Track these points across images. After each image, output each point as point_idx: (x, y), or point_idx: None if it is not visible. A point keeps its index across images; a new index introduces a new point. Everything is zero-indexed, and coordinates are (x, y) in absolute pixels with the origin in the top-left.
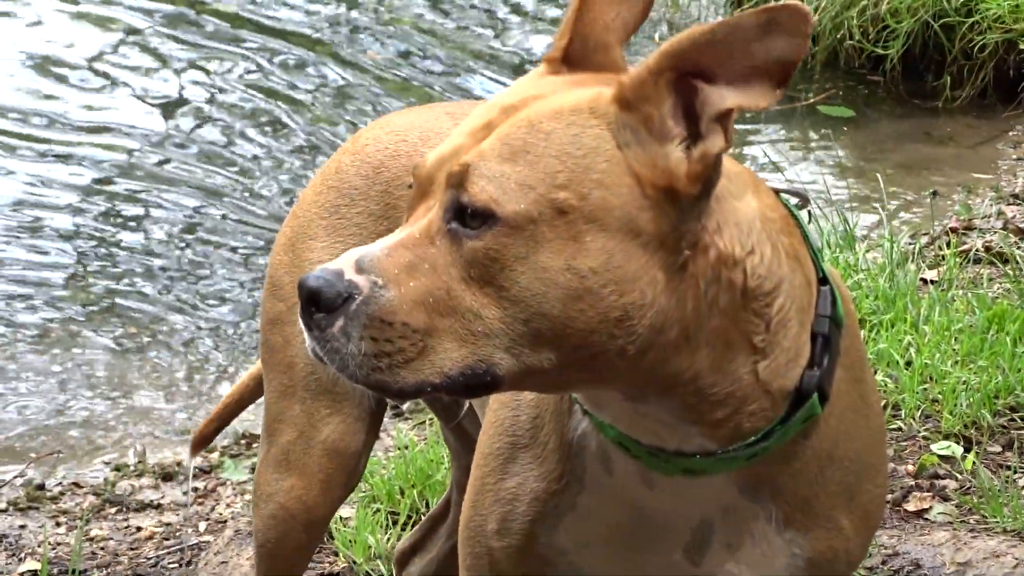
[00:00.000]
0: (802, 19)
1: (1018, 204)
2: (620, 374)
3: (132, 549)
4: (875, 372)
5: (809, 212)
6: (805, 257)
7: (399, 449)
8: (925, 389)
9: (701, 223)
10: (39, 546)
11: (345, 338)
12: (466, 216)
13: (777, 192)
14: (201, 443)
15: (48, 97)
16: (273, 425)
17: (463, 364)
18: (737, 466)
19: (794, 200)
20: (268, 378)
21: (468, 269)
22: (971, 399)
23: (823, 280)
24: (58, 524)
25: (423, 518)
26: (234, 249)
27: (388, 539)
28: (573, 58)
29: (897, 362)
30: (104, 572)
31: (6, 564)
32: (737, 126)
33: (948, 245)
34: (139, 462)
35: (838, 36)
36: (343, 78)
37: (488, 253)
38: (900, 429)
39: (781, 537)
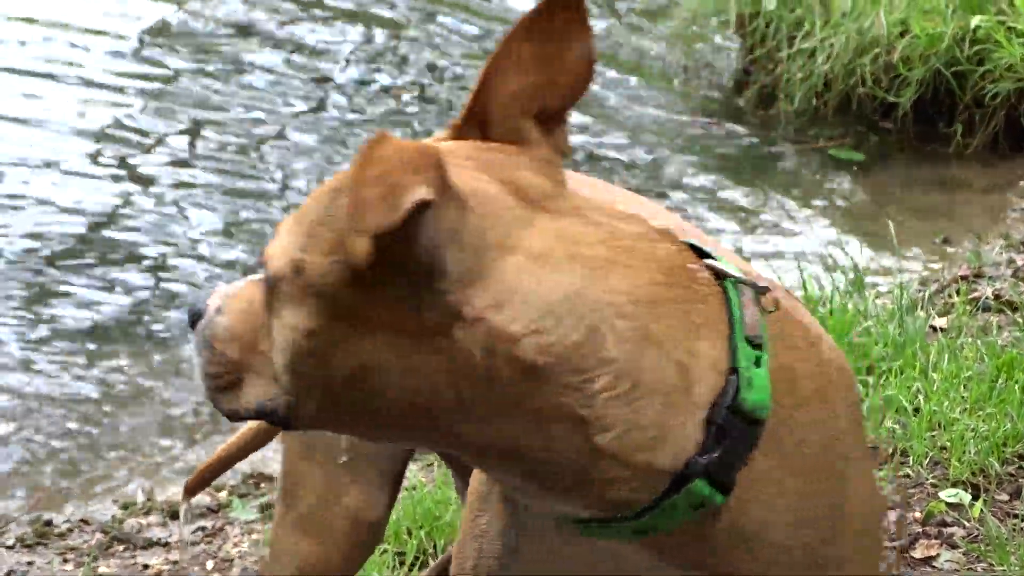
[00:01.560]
0: None
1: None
2: (410, 436)
3: None
4: (883, 419)
5: (777, 301)
6: (676, 341)
7: (407, 490)
8: (933, 436)
9: (449, 300)
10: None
11: (196, 353)
12: None
13: (724, 277)
14: (195, 489)
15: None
16: (292, 488)
17: (259, 401)
18: (627, 536)
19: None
20: (286, 439)
21: (263, 316)
22: (979, 446)
23: (733, 370)
24: (66, 560)
25: (431, 560)
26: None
27: None
28: (482, 125)
29: (906, 409)
30: None
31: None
32: (740, 172)
33: (958, 292)
34: (147, 500)
35: (850, 83)
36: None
37: (264, 303)
38: (908, 476)
39: None
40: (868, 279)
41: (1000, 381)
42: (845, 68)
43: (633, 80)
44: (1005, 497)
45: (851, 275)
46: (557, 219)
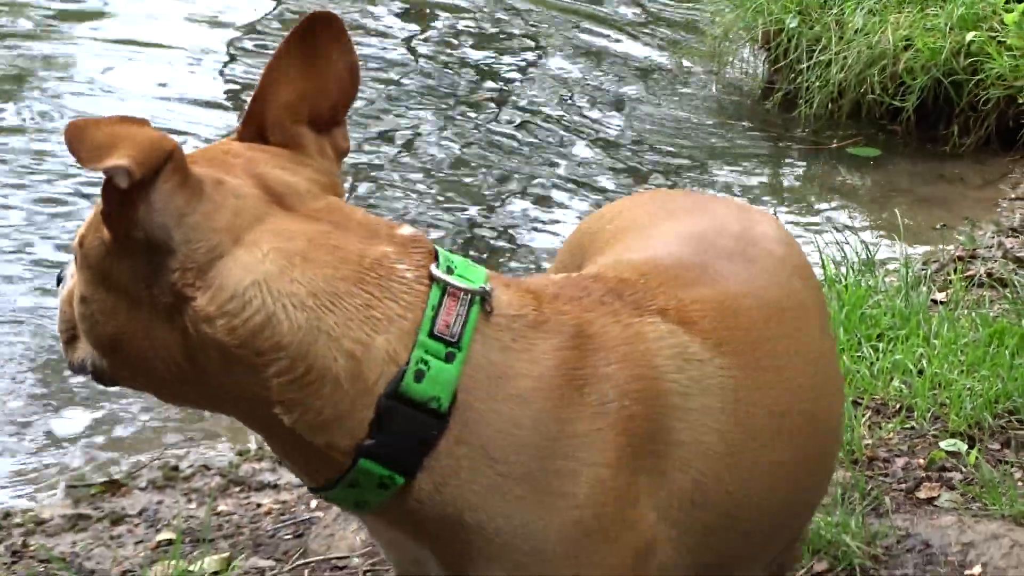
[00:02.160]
0: None
1: (1016, 236)
2: (182, 398)
3: (252, 522)
4: (891, 380)
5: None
6: (349, 333)
7: None
8: (934, 394)
9: (175, 277)
10: (174, 519)
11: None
12: None
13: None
14: None
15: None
16: None
17: (81, 357)
18: (351, 508)
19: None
20: None
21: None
22: (974, 403)
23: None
24: (190, 500)
25: None
26: None
27: None
28: (261, 130)
29: (911, 371)
30: (228, 541)
31: (145, 533)
32: (766, 167)
33: (955, 271)
34: (259, 448)
35: (861, 91)
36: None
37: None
38: (913, 428)
39: None
40: (878, 258)
41: (992, 347)
42: (857, 77)
43: (673, 89)
44: (996, 446)
45: (863, 256)
46: (289, 216)
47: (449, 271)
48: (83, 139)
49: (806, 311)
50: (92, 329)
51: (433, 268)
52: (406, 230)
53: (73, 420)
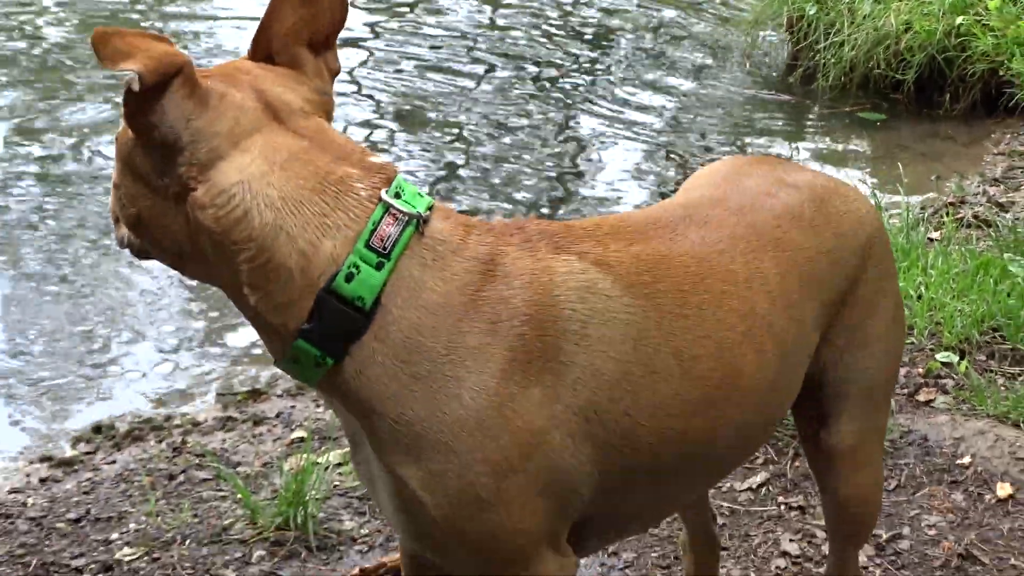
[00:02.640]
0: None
1: (997, 185)
2: (187, 271)
3: None
4: None
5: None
6: (305, 234)
7: None
8: (931, 315)
9: (182, 171)
10: (304, 420)
11: None
12: None
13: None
14: None
15: None
16: None
17: (122, 234)
18: (308, 377)
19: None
20: None
21: None
22: (964, 322)
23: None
24: (318, 405)
25: None
26: None
27: None
28: (267, 53)
29: (911, 296)
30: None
31: (281, 432)
32: (791, 129)
33: (947, 214)
34: None
35: (869, 66)
36: None
37: None
38: (913, 343)
39: (380, 464)
40: (884, 204)
41: (978, 276)
42: (865, 55)
43: (712, 66)
44: (983, 358)
45: (872, 202)
46: (281, 130)
47: (397, 196)
48: (106, 44)
49: (759, 280)
50: (123, 210)
51: (382, 192)
52: (376, 158)
53: (222, 340)
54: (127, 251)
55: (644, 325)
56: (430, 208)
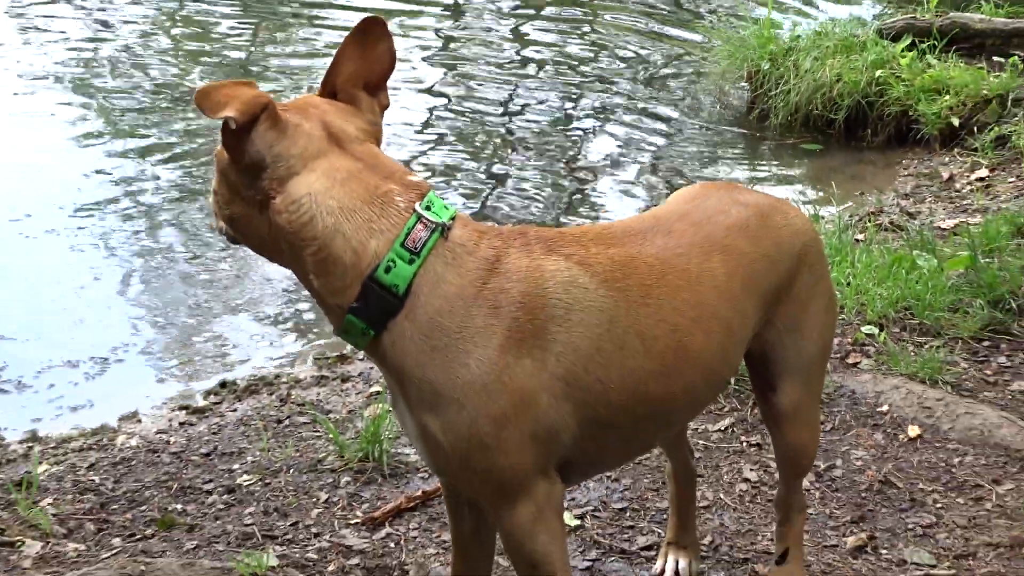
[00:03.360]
0: None
1: (907, 199)
2: (278, 256)
3: None
4: None
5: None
6: (357, 235)
7: None
8: (857, 297)
9: (266, 185)
10: (380, 378)
11: None
12: None
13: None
14: None
15: None
16: None
17: (219, 225)
18: (358, 344)
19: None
20: None
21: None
22: (882, 303)
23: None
24: None
25: None
26: None
27: None
28: (332, 92)
29: (842, 283)
30: None
31: (363, 388)
32: (748, 156)
33: (869, 221)
34: None
35: (809, 108)
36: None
37: None
38: (844, 319)
39: (410, 413)
40: (821, 214)
41: (893, 268)
42: (806, 99)
43: (689, 108)
44: (897, 330)
45: (811, 212)
46: (340, 154)
47: (428, 208)
48: (207, 97)
49: (709, 278)
50: (220, 210)
51: (416, 205)
52: (414, 177)
53: (319, 316)
54: (224, 238)
55: (615, 312)
56: (453, 218)
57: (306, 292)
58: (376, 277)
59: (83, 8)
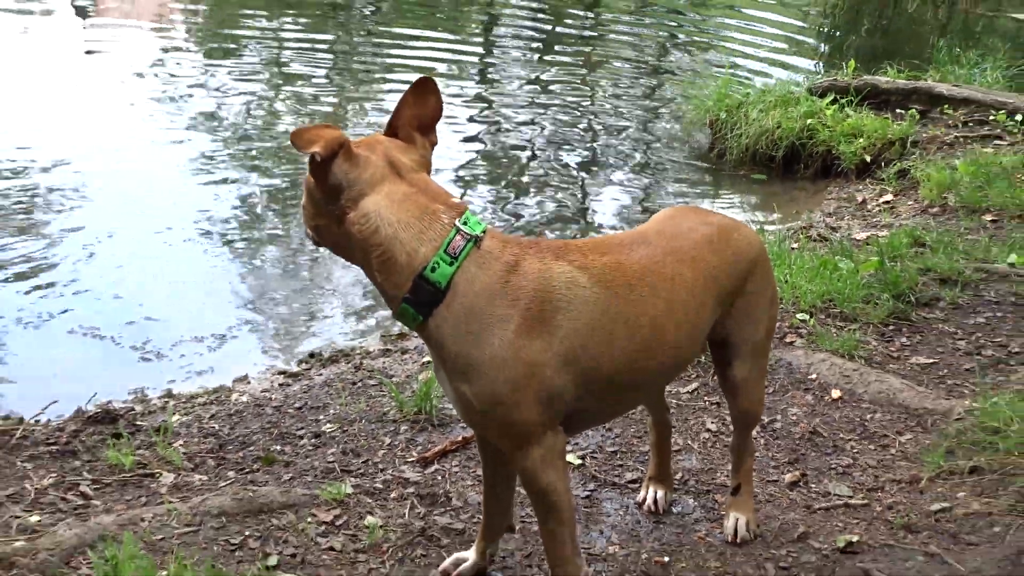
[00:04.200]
0: None
1: (830, 217)
2: (351, 257)
3: None
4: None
5: (499, 246)
6: (411, 243)
7: None
8: (793, 291)
9: (343, 203)
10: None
11: None
12: None
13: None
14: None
15: None
16: None
17: (308, 232)
18: (410, 326)
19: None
20: None
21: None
22: (812, 296)
23: (434, 265)
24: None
25: None
26: None
27: None
28: (394, 131)
29: (782, 280)
30: None
31: (418, 357)
32: (709, 185)
33: (802, 234)
34: None
35: (757, 148)
36: None
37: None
38: (783, 308)
39: (448, 380)
40: (766, 228)
41: (820, 269)
42: (754, 141)
43: (658, 147)
44: (823, 316)
45: (758, 228)
46: (399, 181)
47: (465, 223)
48: (299, 137)
49: (679, 280)
50: (307, 222)
51: (456, 221)
52: (456, 199)
53: (380, 301)
54: (311, 243)
55: (606, 305)
56: (484, 231)
57: (372, 285)
58: (424, 275)
59: (212, 77)
